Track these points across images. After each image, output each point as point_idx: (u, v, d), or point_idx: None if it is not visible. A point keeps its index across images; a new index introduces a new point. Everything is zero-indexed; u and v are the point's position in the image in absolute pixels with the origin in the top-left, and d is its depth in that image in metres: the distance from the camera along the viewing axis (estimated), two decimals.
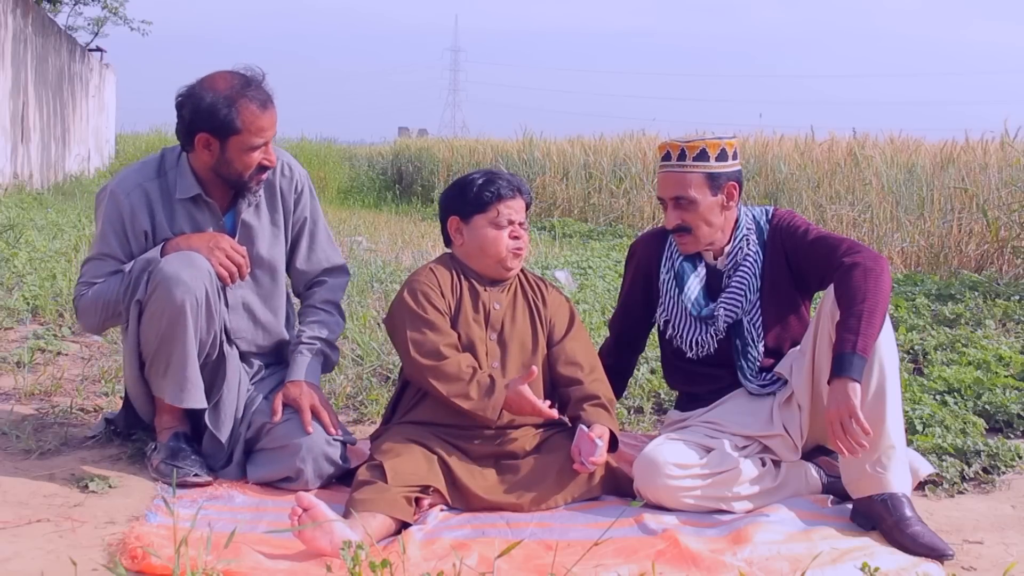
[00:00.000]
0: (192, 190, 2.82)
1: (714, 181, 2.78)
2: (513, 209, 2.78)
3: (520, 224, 2.80)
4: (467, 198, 2.79)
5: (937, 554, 2.37)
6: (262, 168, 2.80)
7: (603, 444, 2.62)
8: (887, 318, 2.57)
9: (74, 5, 21.66)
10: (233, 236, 2.88)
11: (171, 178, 2.85)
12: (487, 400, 2.62)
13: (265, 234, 2.95)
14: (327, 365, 2.99)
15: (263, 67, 2.82)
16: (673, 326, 2.90)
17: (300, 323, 3.01)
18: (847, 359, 2.46)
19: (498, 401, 2.63)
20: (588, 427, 2.65)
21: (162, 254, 2.72)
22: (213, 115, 2.70)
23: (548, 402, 2.67)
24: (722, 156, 2.79)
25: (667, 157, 2.83)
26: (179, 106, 2.77)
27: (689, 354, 2.89)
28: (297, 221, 3.01)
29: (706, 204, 2.79)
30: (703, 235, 2.82)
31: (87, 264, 2.83)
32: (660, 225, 2.99)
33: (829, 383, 2.49)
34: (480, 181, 2.79)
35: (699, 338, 2.85)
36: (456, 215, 2.81)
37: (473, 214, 2.78)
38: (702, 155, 2.78)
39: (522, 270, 2.92)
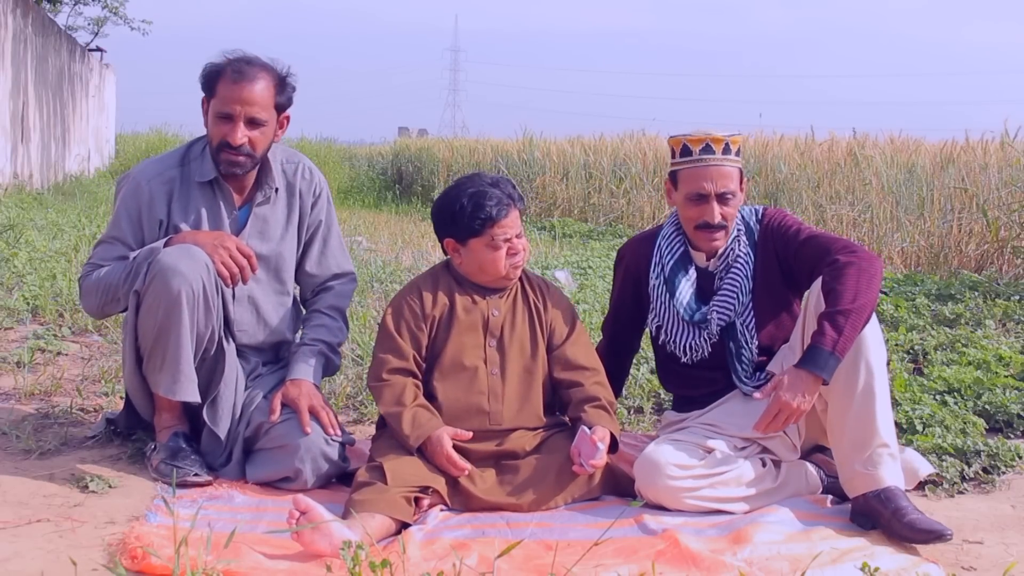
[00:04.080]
0: (210, 174, 2.87)
1: (743, 177, 2.82)
2: (507, 227, 2.70)
3: (517, 236, 2.74)
4: (459, 224, 2.72)
5: (937, 536, 2.37)
6: (226, 145, 2.80)
7: (604, 447, 2.62)
8: (871, 320, 2.57)
9: (74, 5, 21.65)
10: (245, 228, 2.91)
11: (194, 166, 2.91)
12: (413, 431, 2.62)
13: (277, 231, 2.97)
14: (329, 368, 3.00)
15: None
16: (666, 331, 2.89)
17: (304, 326, 3.02)
18: (823, 357, 2.47)
19: (421, 435, 2.62)
20: (590, 429, 2.64)
21: (165, 246, 2.73)
22: (204, 76, 2.85)
23: (463, 465, 2.60)
24: (739, 152, 2.81)
25: (708, 150, 2.76)
26: None
27: (683, 359, 2.88)
28: (312, 224, 3.03)
29: (738, 199, 2.80)
30: (731, 230, 2.82)
31: (98, 246, 2.88)
32: (648, 229, 2.96)
33: (796, 367, 2.50)
34: (469, 208, 2.69)
35: (692, 343, 2.84)
36: (451, 237, 2.77)
37: (468, 238, 2.73)
38: (737, 150, 2.80)
39: (524, 271, 2.92)
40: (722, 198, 2.76)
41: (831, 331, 2.48)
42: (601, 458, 2.61)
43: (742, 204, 2.86)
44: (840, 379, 2.55)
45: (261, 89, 2.81)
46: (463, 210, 2.71)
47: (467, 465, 2.61)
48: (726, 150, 2.76)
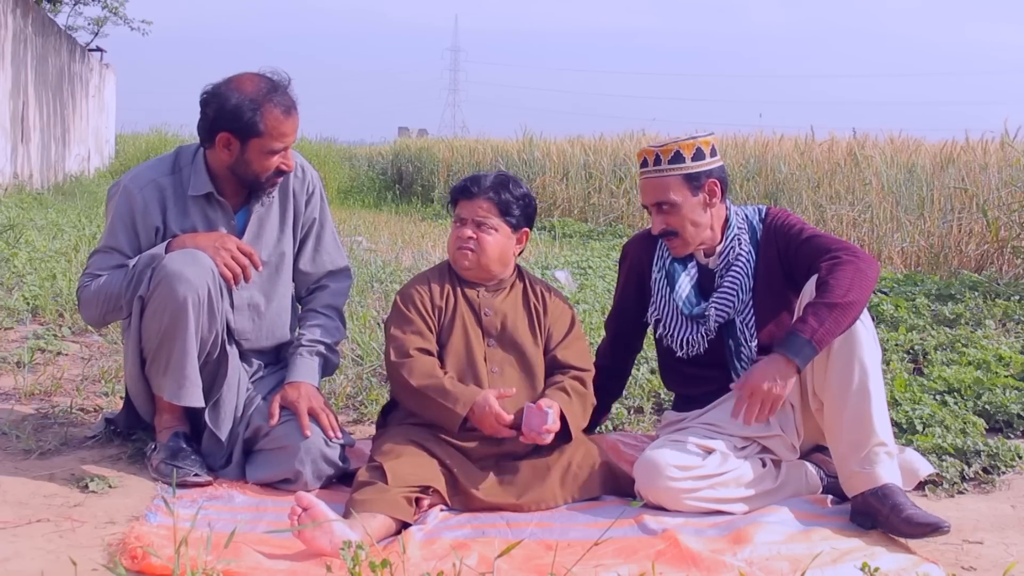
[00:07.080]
0: (205, 188, 2.84)
1: (693, 181, 2.79)
2: (465, 208, 2.80)
3: (473, 221, 2.78)
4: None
5: (934, 528, 2.39)
6: (279, 172, 2.83)
7: (553, 412, 2.61)
8: (859, 319, 2.58)
9: (74, 5, 21.65)
10: (243, 235, 2.89)
11: (185, 175, 2.86)
12: (459, 398, 2.62)
13: (274, 234, 2.96)
14: (327, 368, 2.99)
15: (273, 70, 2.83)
16: (664, 325, 2.90)
17: (301, 326, 3.01)
18: (799, 343, 2.49)
19: (468, 401, 2.61)
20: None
21: (167, 251, 2.72)
22: (237, 116, 2.72)
23: (507, 418, 2.62)
24: (698, 155, 2.79)
25: (644, 164, 2.84)
26: (204, 103, 2.78)
27: (679, 353, 2.88)
28: (306, 223, 3.02)
29: (688, 205, 2.79)
30: (691, 236, 2.82)
31: (94, 256, 2.84)
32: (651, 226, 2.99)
33: (772, 351, 2.52)
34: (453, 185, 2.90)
35: (689, 337, 2.85)
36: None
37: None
38: (677, 157, 2.78)
39: (528, 275, 2.92)
40: (659, 208, 2.80)
41: (813, 320, 2.50)
42: (553, 422, 2.61)
43: (732, 205, 2.87)
44: (834, 379, 2.56)
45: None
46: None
47: (509, 417, 2.61)
48: (657, 161, 2.80)
